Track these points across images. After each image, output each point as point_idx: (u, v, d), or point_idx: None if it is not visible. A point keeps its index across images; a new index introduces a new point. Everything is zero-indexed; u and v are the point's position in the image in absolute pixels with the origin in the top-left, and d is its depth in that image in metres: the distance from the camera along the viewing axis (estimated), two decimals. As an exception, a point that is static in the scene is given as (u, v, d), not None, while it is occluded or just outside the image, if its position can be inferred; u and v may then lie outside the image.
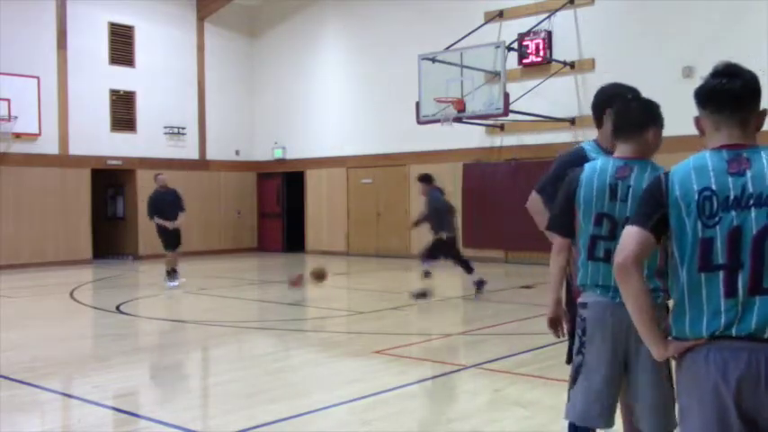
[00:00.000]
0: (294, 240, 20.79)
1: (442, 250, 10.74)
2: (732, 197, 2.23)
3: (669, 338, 2.37)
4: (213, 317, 9.69)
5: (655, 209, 2.33)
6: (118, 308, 10.47)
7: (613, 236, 3.07)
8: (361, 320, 9.44)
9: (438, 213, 10.71)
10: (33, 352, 7.41)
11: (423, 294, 10.36)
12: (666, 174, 2.36)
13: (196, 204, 19.95)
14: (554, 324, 3.37)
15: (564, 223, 3.25)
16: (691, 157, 2.36)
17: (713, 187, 2.25)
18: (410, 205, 18.10)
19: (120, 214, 19.45)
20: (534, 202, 3.74)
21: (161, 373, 6.58)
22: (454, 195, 17.05)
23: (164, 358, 7.17)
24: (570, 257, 3.34)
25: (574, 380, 3.21)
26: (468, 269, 10.86)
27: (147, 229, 18.94)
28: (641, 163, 3.08)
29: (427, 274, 10.74)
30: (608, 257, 3.07)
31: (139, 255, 18.82)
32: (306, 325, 9.54)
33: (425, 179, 11.09)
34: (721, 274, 2.23)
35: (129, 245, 19.10)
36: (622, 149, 3.13)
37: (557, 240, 3.30)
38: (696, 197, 2.26)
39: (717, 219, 2.24)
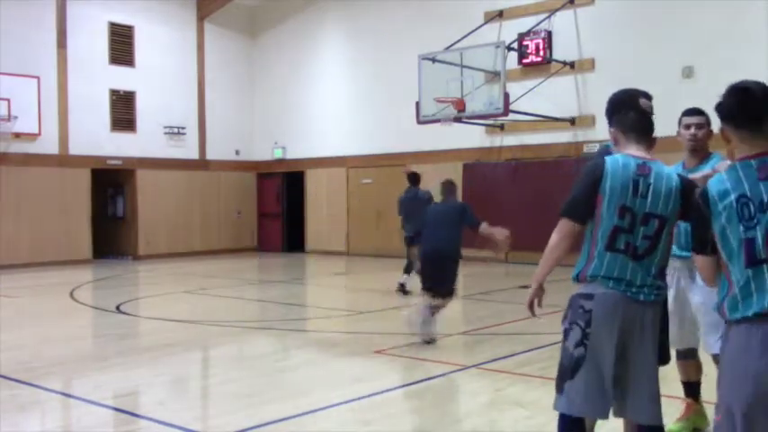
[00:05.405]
0: (294, 240, 20.78)
1: None
2: (766, 200, 2.59)
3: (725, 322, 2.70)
4: (213, 317, 9.69)
5: (707, 230, 2.68)
6: (118, 308, 10.47)
7: (632, 230, 3.17)
8: (361, 320, 9.43)
9: None
10: (33, 352, 7.41)
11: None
12: (705, 191, 2.68)
13: (196, 204, 20.02)
14: (533, 305, 3.36)
15: (584, 210, 3.22)
16: (721, 172, 2.71)
17: (748, 194, 2.60)
18: (410, 205, 18.09)
19: (120, 214, 19.44)
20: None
21: (161, 373, 6.57)
22: (454, 195, 17.07)
23: (163, 358, 7.17)
24: None
25: (572, 371, 3.19)
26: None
27: (146, 229, 19.06)
28: (655, 163, 3.25)
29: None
30: (627, 250, 3.17)
31: (139, 255, 18.82)
32: (306, 325, 9.53)
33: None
34: (765, 267, 2.58)
35: (129, 245, 19.09)
36: (637, 149, 3.27)
37: (568, 225, 3.24)
38: (735, 205, 2.60)
39: (755, 221, 2.58)
